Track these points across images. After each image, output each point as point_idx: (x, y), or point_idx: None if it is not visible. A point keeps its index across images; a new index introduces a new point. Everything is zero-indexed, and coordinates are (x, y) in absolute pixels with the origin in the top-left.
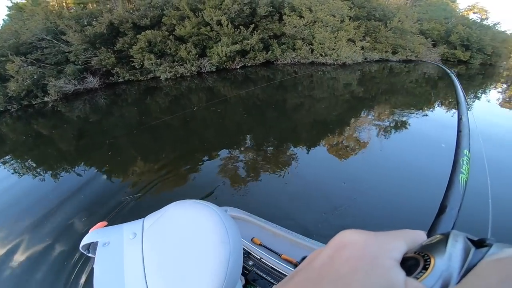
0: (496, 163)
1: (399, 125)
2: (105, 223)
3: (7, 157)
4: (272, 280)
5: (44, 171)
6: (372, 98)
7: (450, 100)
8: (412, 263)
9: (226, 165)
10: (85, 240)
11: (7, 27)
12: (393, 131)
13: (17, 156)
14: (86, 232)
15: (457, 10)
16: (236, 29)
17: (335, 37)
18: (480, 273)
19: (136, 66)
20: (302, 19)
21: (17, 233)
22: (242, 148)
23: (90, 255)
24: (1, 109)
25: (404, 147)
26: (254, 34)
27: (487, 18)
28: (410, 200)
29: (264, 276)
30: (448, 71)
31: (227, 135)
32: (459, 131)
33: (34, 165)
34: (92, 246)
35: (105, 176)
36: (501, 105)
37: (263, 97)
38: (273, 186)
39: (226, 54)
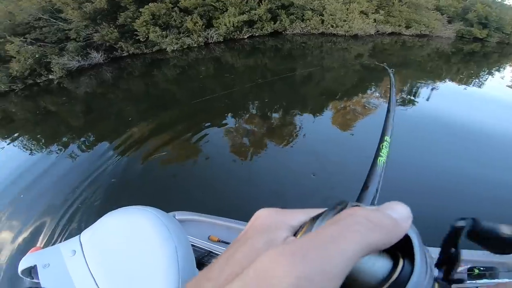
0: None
1: (407, 99)
2: (39, 247)
3: (16, 135)
4: None
5: (56, 147)
6: (382, 69)
7: (461, 76)
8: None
9: (232, 134)
10: (22, 266)
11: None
12: (400, 105)
13: (27, 133)
14: None
15: None
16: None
17: (347, 9)
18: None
19: (141, 39)
20: None
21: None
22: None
23: (34, 280)
24: (6, 89)
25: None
26: (262, 4)
27: None
28: None
29: None
30: (389, 70)
31: (235, 105)
32: (385, 121)
33: (44, 141)
34: (33, 271)
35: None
36: None
37: (271, 66)
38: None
39: (233, 24)
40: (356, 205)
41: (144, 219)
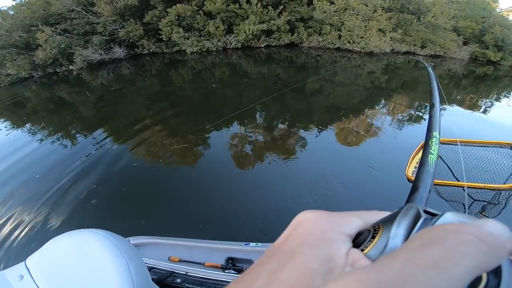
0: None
1: (413, 119)
2: None
3: (26, 120)
4: None
5: (62, 136)
6: (393, 89)
7: (474, 99)
8: (366, 236)
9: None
10: None
11: None
12: (405, 124)
13: (38, 119)
14: None
15: (498, 10)
16: (264, 9)
17: (365, 26)
18: (413, 238)
19: (163, 38)
20: (333, 5)
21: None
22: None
23: None
24: (26, 75)
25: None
26: (282, 15)
27: None
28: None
29: (198, 287)
30: (426, 64)
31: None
32: (430, 116)
33: (52, 129)
34: None
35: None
36: None
37: (284, 77)
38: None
39: (252, 32)
40: (433, 213)
41: (93, 240)
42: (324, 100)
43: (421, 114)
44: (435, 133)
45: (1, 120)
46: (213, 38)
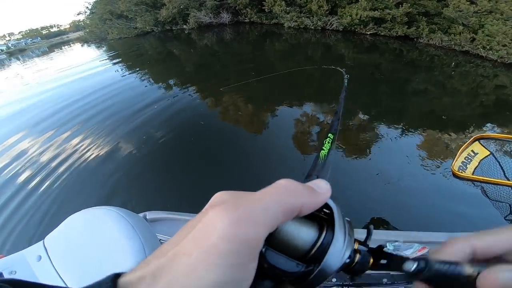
0: None
1: None
2: (2, 256)
3: (139, 66)
4: None
5: (160, 80)
6: None
7: None
8: None
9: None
10: None
11: None
12: None
13: (149, 66)
14: None
15: None
16: None
17: None
18: None
19: (265, 9)
20: (474, 5)
21: None
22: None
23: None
24: (149, 30)
25: None
26: (402, 6)
27: None
28: None
29: None
30: (344, 74)
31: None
32: (332, 120)
33: (155, 74)
34: None
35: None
36: None
37: (385, 69)
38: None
39: (360, 17)
40: None
41: (109, 219)
42: (424, 104)
43: None
44: (330, 134)
45: (122, 63)
46: (313, 16)
